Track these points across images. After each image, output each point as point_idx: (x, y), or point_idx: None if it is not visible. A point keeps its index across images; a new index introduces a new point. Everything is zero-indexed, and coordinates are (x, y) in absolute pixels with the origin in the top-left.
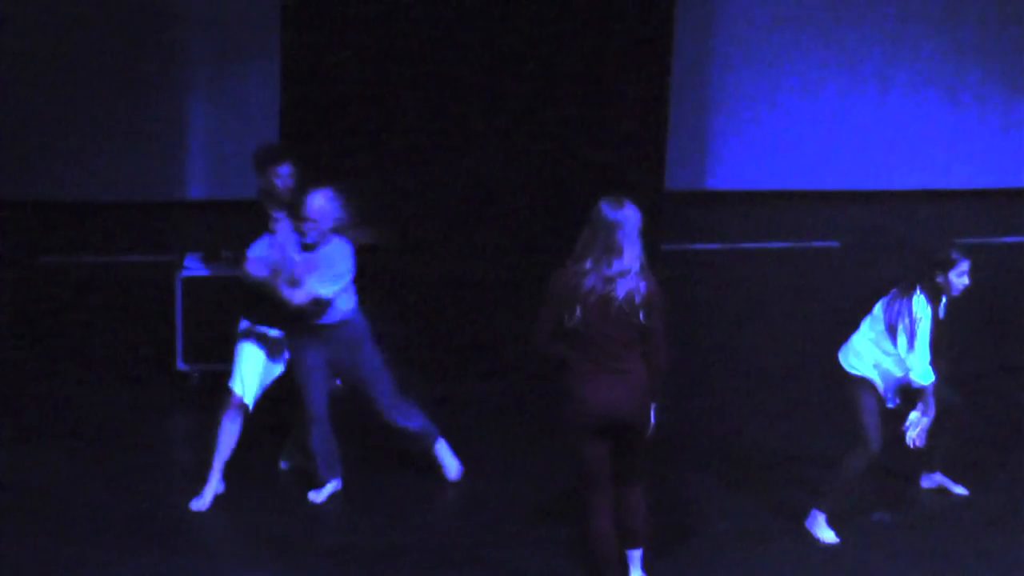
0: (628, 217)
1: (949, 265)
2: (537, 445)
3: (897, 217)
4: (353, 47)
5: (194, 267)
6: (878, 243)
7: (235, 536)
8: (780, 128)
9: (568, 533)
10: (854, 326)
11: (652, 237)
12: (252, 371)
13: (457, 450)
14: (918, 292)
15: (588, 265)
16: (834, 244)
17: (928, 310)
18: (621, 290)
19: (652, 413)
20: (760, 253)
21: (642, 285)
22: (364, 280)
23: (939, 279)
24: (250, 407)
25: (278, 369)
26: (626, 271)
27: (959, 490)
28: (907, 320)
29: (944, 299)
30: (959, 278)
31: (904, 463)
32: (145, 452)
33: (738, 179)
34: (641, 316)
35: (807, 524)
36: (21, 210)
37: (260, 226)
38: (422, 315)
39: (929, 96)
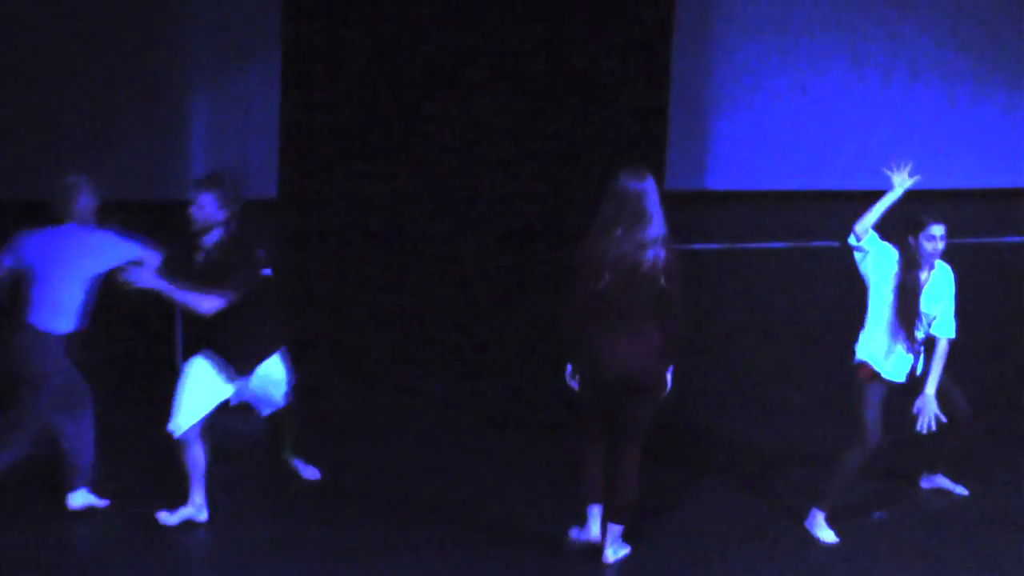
0: (650, 186)
1: (918, 228)
2: (536, 445)
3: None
4: (353, 48)
5: None
6: None
7: (235, 536)
8: (780, 128)
9: (565, 531)
10: (857, 324)
11: None
12: (190, 399)
13: (455, 449)
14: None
15: (619, 233)
16: (834, 244)
17: (895, 258)
18: (648, 256)
19: (669, 376)
20: (760, 253)
21: (662, 252)
22: (364, 280)
23: (911, 241)
24: (179, 434)
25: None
26: (655, 238)
27: (960, 490)
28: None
29: (926, 269)
30: (928, 242)
31: (904, 463)
32: (145, 452)
33: (738, 179)
34: (662, 281)
35: (807, 524)
36: (21, 210)
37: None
38: (421, 314)
39: (930, 96)
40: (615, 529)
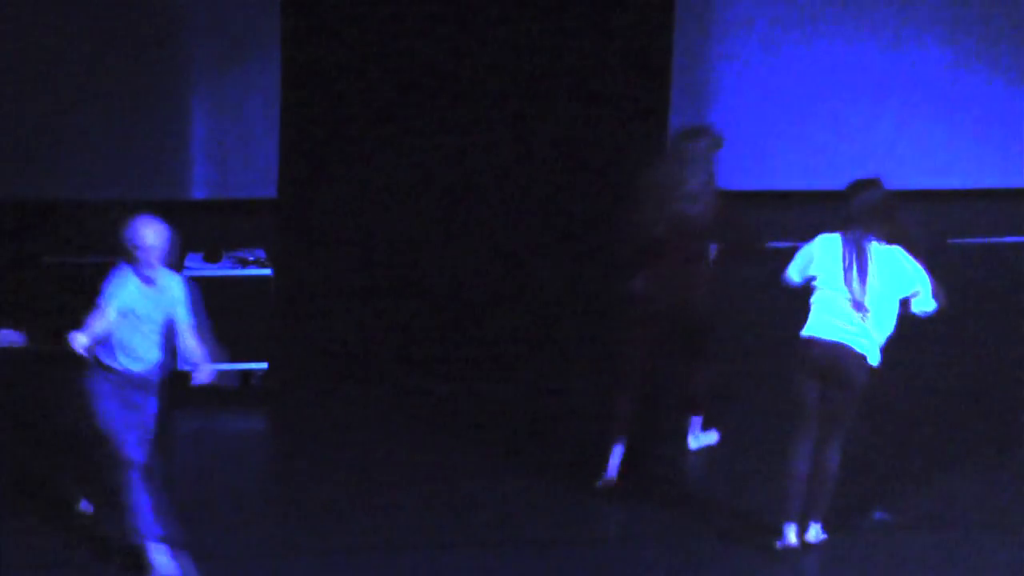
0: (699, 147)
1: (895, 196)
2: (537, 444)
3: None
4: (353, 47)
5: (194, 267)
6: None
7: (235, 536)
8: (779, 128)
9: (567, 533)
10: None
11: None
12: None
13: (455, 449)
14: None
15: (664, 191)
16: None
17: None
18: (696, 208)
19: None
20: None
21: (710, 200)
22: (364, 279)
23: (892, 222)
24: None
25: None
26: (699, 193)
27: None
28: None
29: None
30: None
31: (904, 464)
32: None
33: (738, 179)
34: (713, 222)
35: (784, 526)
36: (21, 210)
37: None
38: (422, 315)
39: (929, 96)
40: (696, 420)
